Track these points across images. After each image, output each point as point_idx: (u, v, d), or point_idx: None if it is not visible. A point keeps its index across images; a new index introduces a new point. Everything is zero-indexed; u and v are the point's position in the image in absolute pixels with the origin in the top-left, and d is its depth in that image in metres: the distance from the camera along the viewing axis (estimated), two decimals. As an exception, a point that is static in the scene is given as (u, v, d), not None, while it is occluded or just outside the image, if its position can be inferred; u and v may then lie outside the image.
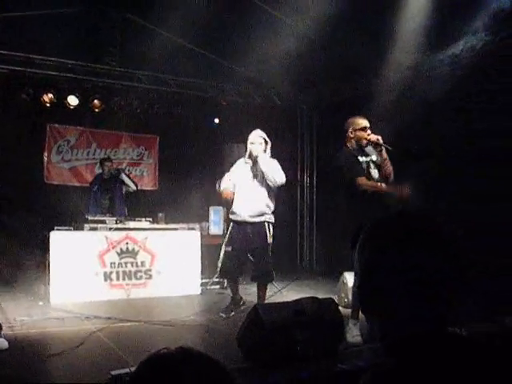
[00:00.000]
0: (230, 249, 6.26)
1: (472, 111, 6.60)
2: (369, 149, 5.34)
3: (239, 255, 6.26)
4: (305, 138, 11.43)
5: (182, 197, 9.76)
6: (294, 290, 7.84)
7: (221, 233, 8.82)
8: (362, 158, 5.29)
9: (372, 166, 5.29)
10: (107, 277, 7.46)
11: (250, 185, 6.23)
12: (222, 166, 9.57)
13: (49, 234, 7.22)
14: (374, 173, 5.28)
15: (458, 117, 6.79)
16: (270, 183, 6.13)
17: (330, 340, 4.35)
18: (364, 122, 5.31)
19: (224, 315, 6.27)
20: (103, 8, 9.15)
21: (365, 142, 5.27)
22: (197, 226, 8.23)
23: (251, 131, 6.31)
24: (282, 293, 7.76)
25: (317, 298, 4.56)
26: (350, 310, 5.57)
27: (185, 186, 10.12)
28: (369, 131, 5.27)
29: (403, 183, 5.13)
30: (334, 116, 9.70)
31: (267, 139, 6.25)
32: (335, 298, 6.05)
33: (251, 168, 6.26)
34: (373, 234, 1.17)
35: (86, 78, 9.54)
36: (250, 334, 4.21)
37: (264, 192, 6.21)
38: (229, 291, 6.87)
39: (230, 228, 6.40)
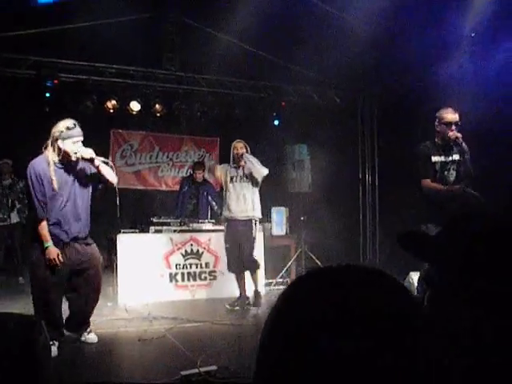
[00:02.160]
0: (228, 246, 6.97)
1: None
2: (454, 147, 5.11)
3: (235, 250, 6.89)
4: (366, 137, 11.28)
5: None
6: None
7: (283, 233, 8.83)
8: (437, 158, 5.10)
9: (451, 166, 5.11)
10: (172, 278, 7.58)
11: (238, 186, 6.87)
12: (283, 167, 9.58)
13: (115, 236, 7.40)
14: (450, 174, 5.11)
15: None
16: (256, 175, 6.76)
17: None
18: (449, 117, 5.04)
19: (229, 307, 6.88)
20: (161, 14, 9.31)
21: (447, 137, 5.04)
22: (259, 226, 8.24)
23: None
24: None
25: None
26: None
27: (246, 187, 10.17)
28: (453, 127, 5.01)
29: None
30: (396, 114, 9.55)
31: (247, 146, 6.92)
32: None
33: (238, 171, 6.88)
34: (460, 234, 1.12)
35: (146, 83, 9.73)
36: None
37: (250, 192, 6.87)
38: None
39: (225, 227, 7.04)
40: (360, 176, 11.21)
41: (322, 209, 9.52)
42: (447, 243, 1.12)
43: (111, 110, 9.57)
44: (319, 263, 8.39)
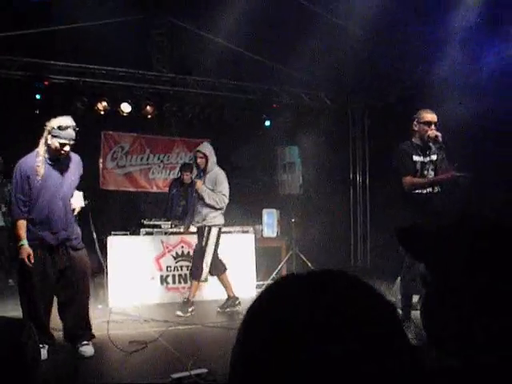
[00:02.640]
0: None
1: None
2: (432, 146, 5.16)
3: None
4: (356, 138, 11.32)
5: (235, 200, 9.79)
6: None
7: (274, 235, 8.84)
8: (417, 158, 5.12)
9: (429, 166, 5.13)
10: (163, 280, 7.57)
11: (196, 195, 6.83)
12: (274, 168, 9.59)
13: (106, 238, 7.37)
14: (429, 174, 5.13)
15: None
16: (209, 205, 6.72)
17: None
18: (429, 117, 5.09)
19: (219, 309, 6.86)
20: (151, 16, 9.31)
21: (426, 137, 5.08)
22: (251, 228, 8.25)
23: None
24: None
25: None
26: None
27: (238, 189, 10.15)
28: (433, 127, 5.07)
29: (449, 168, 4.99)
30: (386, 115, 9.59)
31: (208, 154, 6.74)
32: (392, 299, 5.95)
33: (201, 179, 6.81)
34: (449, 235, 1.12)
35: (137, 85, 9.72)
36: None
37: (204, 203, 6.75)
38: None
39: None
40: (351, 177, 11.25)
41: (313, 210, 9.55)
42: (445, 242, 1.11)
43: (102, 112, 9.54)
44: (310, 265, 8.39)
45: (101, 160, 10.79)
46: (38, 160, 4.53)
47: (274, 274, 8.38)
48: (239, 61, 9.45)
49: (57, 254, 4.63)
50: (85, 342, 4.74)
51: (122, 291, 7.23)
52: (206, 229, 6.73)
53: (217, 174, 6.82)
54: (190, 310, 6.67)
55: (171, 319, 6.19)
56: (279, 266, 8.52)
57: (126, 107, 9.64)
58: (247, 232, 8.20)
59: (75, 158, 4.83)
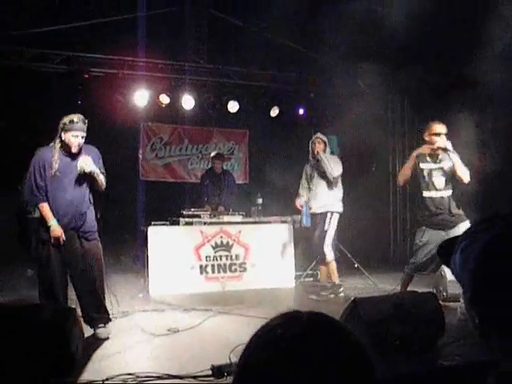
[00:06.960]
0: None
1: None
2: (443, 155, 5.57)
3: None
4: (396, 127, 11.16)
5: (273, 190, 9.80)
6: (389, 283, 7.69)
7: (313, 225, 8.80)
8: (424, 165, 5.61)
9: (438, 173, 5.59)
10: (203, 270, 7.63)
11: (315, 181, 7.12)
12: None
13: (146, 228, 7.46)
14: (438, 181, 5.59)
15: None
16: (329, 176, 6.96)
17: (430, 335, 4.24)
18: (438, 128, 5.51)
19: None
20: (189, 7, 9.33)
21: (436, 147, 5.52)
22: (289, 218, 8.24)
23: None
24: (378, 286, 7.67)
25: (416, 292, 4.45)
26: (448, 304, 5.44)
27: (276, 179, 10.15)
28: (443, 137, 5.48)
29: None
30: (426, 102, 9.42)
31: (325, 140, 7.13)
32: (432, 290, 5.92)
33: (315, 166, 7.12)
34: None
35: (176, 76, 9.77)
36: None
37: (325, 185, 7.07)
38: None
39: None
40: (390, 167, 11.11)
41: (352, 201, 9.46)
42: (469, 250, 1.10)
43: (141, 104, 9.62)
44: (348, 254, 8.36)
45: (140, 151, 10.92)
46: (54, 154, 4.84)
47: (312, 265, 8.36)
48: (275, 50, 9.41)
49: (71, 239, 4.89)
50: (101, 325, 4.97)
51: (162, 280, 7.32)
52: (329, 214, 7.08)
53: (332, 156, 7.23)
54: (328, 293, 6.98)
55: (211, 308, 6.23)
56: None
57: (164, 98, 9.71)
58: (285, 222, 8.19)
59: (93, 150, 5.07)
